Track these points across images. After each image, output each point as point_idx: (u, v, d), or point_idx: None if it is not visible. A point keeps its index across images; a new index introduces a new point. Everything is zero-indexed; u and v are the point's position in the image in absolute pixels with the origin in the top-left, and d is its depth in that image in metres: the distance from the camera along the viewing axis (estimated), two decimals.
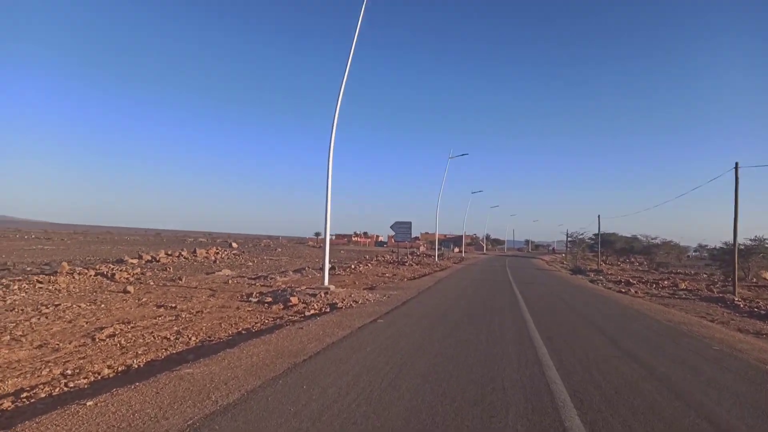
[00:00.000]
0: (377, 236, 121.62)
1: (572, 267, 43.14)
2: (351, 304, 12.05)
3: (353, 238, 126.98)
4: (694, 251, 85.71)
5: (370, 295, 13.84)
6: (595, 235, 78.79)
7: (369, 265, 29.36)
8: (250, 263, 30.34)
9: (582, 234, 64.90)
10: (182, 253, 32.62)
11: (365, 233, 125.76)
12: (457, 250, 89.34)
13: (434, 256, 41.36)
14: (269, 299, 13.02)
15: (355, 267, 26.60)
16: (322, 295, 13.09)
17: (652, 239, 64.91)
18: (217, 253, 35.18)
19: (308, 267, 26.73)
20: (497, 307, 12.38)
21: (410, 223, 33.11)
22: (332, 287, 14.21)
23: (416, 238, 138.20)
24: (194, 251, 32.98)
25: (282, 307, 12.09)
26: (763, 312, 13.44)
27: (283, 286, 16.44)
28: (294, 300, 12.50)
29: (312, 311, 11.34)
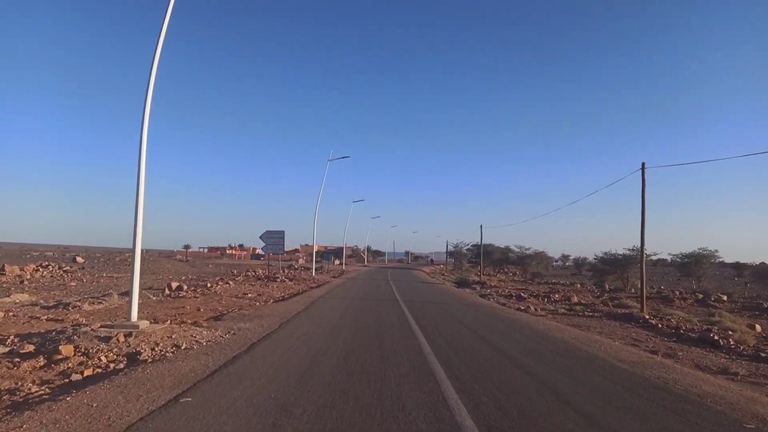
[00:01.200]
0: (254, 249, 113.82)
1: (457, 279, 41.67)
2: (165, 354, 7.66)
3: (228, 251, 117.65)
4: (556, 261, 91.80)
5: (205, 333, 9.42)
6: (474, 245, 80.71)
7: (230, 282, 24.33)
8: (74, 283, 23.61)
9: (460, 245, 64.74)
10: None
11: (240, 245, 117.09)
12: (337, 262, 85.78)
13: (312, 269, 37.04)
14: (30, 347, 8.01)
15: (212, 286, 21.49)
16: (122, 338, 8.35)
17: (526, 250, 67.22)
18: (37, 270, 27.44)
19: (152, 287, 21.08)
20: (387, 344, 8.73)
21: (282, 232, 28.66)
22: (144, 324, 9.43)
23: (296, 250, 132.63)
24: (2, 267, 25.18)
25: (42, 363, 7.22)
26: (691, 335, 11.46)
27: (82, 320, 11.25)
28: (67, 350, 7.64)
29: (89, 370, 6.73)
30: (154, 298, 15.98)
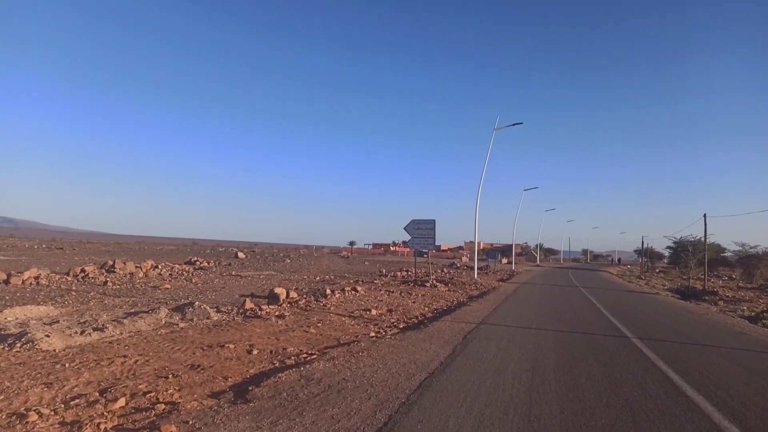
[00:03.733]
0: None
1: (676, 287, 30.39)
2: None
3: (391, 248, 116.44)
4: None
5: None
6: (676, 242, 64.69)
7: (359, 289, 18.52)
8: (169, 285, 20.18)
9: (683, 239, 48.76)
10: (115, 266, 22.99)
11: (404, 242, 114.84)
12: (505, 261, 76.83)
13: (474, 270, 29.75)
14: None
15: (331, 294, 15.84)
16: None
17: (751, 248, 49.47)
18: (155, 268, 25.18)
19: (265, 291, 16.28)
20: None
21: (433, 222, 21.96)
22: None
23: (460, 247, 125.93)
24: (112, 265, 23.18)
25: None
26: None
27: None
28: None
29: None
30: (215, 317, 10.55)
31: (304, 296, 15.72)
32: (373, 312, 12.88)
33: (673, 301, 20.87)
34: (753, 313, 16.00)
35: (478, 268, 44.24)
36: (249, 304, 12.20)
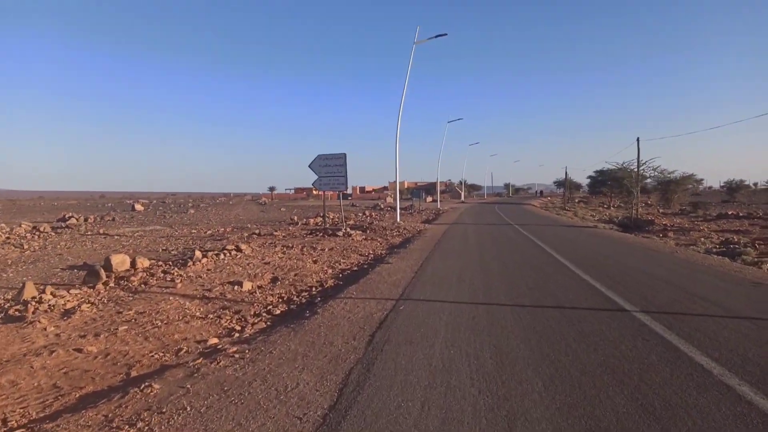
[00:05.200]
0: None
1: (614, 218, 28.41)
2: None
3: (314, 192, 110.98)
4: (705, 188, 73.04)
5: None
6: (597, 172, 65.03)
7: (250, 245, 14.20)
8: (20, 252, 14.87)
9: (629, 164, 47.22)
10: None
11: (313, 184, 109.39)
12: (430, 199, 74.84)
13: (397, 212, 25.96)
14: None
15: (204, 256, 11.41)
16: None
17: (669, 173, 49.43)
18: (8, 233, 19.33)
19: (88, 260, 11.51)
20: None
21: (343, 156, 17.63)
22: None
23: (385, 188, 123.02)
24: None
25: None
26: None
27: None
28: None
29: None
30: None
31: (161, 264, 11.12)
32: (246, 286, 8.69)
33: (621, 235, 18.41)
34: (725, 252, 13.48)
35: (402, 209, 41.01)
36: (30, 291, 7.51)
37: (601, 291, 7.55)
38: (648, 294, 7.30)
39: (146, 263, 10.94)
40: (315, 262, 11.72)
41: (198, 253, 11.81)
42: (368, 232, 19.42)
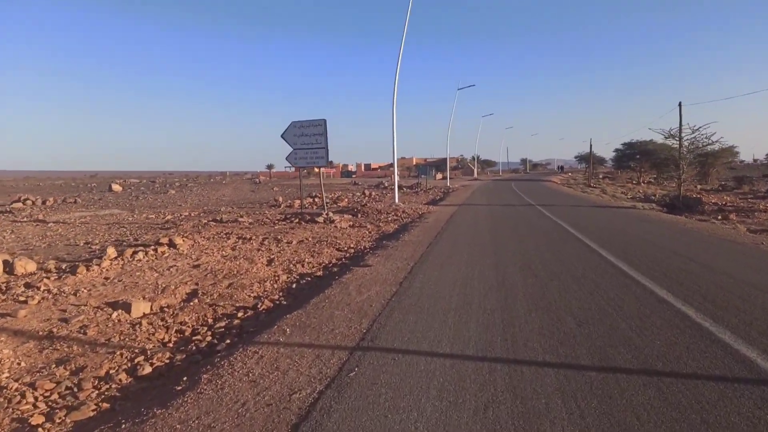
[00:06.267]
0: (345, 166, 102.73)
1: (661, 198, 24.60)
2: None
3: (315, 169, 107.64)
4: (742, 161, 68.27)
5: None
6: (625, 144, 59.99)
7: (195, 238, 11.17)
8: None
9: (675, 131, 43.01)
10: None
11: (330, 162, 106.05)
12: (440, 176, 71.32)
13: (395, 192, 22.48)
14: None
15: (118, 257, 8.36)
16: None
17: (705, 145, 44.84)
18: None
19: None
20: None
21: (322, 123, 14.18)
22: None
23: (391, 165, 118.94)
24: None
25: None
26: None
27: None
28: None
29: None
30: None
31: (53, 270, 8.05)
32: (138, 310, 5.66)
33: (672, 218, 14.87)
34: None
35: (408, 187, 37.66)
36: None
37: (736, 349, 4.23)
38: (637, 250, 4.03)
39: (30, 267, 7.89)
40: (269, 262, 8.60)
41: (111, 251, 8.73)
42: (359, 216, 16.24)
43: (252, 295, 6.62)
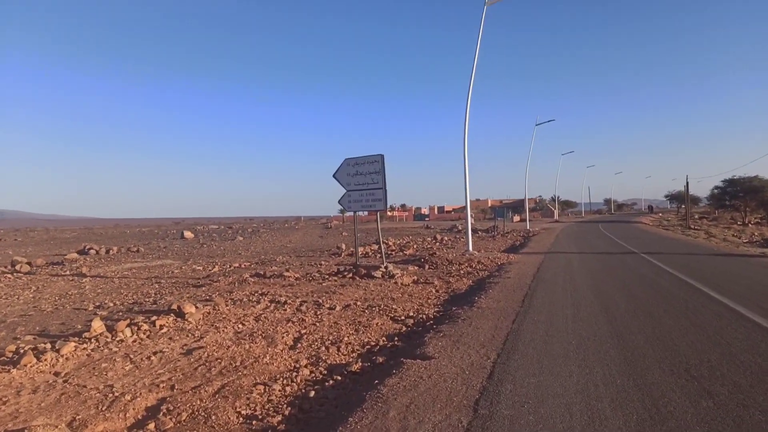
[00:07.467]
0: (418, 209, 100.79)
1: None
2: None
3: (389, 213, 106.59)
4: None
5: None
6: (726, 181, 53.73)
7: (253, 289, 9.10)
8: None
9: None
10: None
11: (403, 206, 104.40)
12: (517, 218, 67.06)
13: (468, 238, 19.58)
14: None
15: (111, 333, 6.37)
16: None
17: None
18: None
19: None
20: None
21: (380, 158, 11.91)
22: None
23: (463, 208, 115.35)
24: None
25: None
26: None
27: None
28: None
29: None
30: None
31: (8, 355, 6.14)
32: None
33: None
34: None
35: (483, 231, 34.48)
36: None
37: None
38: None
39: (10, 350, 6.04)
40: (295, 343, 6.21)
41: (97, 325, 6.74)
42: (426, 267, 13.62)
43: (244, 413, 4.20)
